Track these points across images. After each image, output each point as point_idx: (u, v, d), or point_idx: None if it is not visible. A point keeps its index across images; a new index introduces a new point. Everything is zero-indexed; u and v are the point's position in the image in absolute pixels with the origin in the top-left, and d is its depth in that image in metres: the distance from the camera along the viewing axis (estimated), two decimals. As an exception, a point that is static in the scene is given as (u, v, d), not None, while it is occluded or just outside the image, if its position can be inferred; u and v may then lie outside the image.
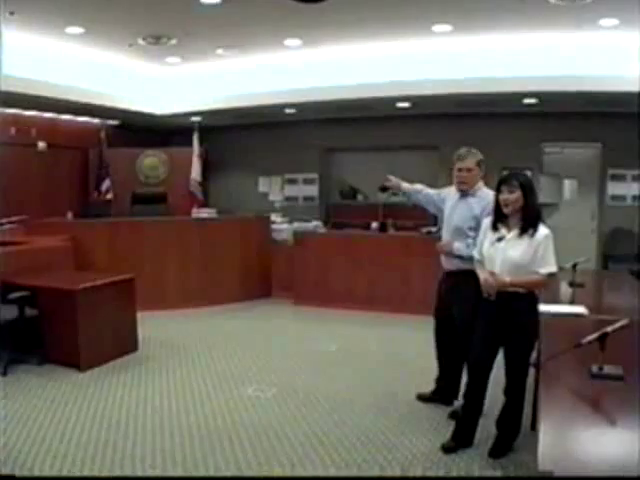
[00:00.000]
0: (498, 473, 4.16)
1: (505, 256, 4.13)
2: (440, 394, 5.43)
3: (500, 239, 4.18)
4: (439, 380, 5.47)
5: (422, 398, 5.49)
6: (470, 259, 4.73)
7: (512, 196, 4.11)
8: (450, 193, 5.27)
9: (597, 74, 8.85)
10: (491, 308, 4.26)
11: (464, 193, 5.05)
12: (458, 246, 4.99)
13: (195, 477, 4.05)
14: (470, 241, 4.90)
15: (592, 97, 9.54)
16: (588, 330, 3.30)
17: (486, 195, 4.91)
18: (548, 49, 9.11)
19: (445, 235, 5.22)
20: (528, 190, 4.12)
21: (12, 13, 7.73)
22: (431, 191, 5.56)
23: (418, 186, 5.63)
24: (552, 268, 4.09)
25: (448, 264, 5.16)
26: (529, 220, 4.11)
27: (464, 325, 4.89)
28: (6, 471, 4.19)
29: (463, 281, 4.91)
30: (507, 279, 4.11)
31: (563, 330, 4.08)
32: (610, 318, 3.69)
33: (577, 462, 2.34)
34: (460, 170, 4.99)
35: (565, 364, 3.23)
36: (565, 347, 3.25)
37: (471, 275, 4.67)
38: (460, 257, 4.98)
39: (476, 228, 4.83)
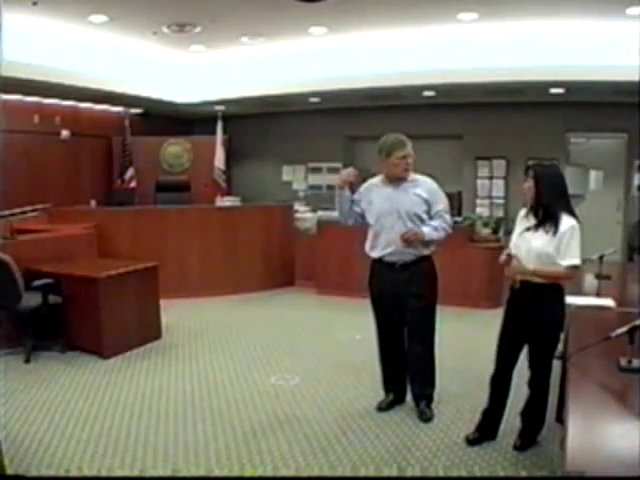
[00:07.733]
0: (522, 465, 4.11)
1: (529, 246, 4.08)
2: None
3: (528, 229, 4.13)
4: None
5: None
6: (432, 242, 4.82)
7: (525, 185, 4.14)
8: (371, 185, 5.02)
9: (623, 64, 8.65)
10: (517, 299, 4.21)
11: (400, 181, 4.85)
12: (428, 231, 4.76)
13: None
14: (435, 223, 4.78)
15: (618, 87, 9.38)
16: (615, 323, 3.26)
17: (424, 179, 4.92)
18: (575, 38, 8.99)
19: (387, 227, 4.83)
20: (538, 180, 4.07)
21: (35, 3, 7.72)
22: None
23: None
24: (575, 260, 3.93)
25: (403, 256, 4.80)
26: (541, 212, 4.07)
27: (431, 308, 4.89)
28: (30, 457, 4.21)
29: (426, 265, 4.87)
30: (530, 267, 4.04)
31: (590, 322, 4.04)
32: (637, 311, 3.65)
33: (605, 457, 2.31)
34: (404, 157, 4.78)
35: (593, 357, 3.19)
36: (593, 340, 3.20)
37: (428, 258, 4.84)
38: (425, 242, 4.80)
39: (429, 211, 4.82)
